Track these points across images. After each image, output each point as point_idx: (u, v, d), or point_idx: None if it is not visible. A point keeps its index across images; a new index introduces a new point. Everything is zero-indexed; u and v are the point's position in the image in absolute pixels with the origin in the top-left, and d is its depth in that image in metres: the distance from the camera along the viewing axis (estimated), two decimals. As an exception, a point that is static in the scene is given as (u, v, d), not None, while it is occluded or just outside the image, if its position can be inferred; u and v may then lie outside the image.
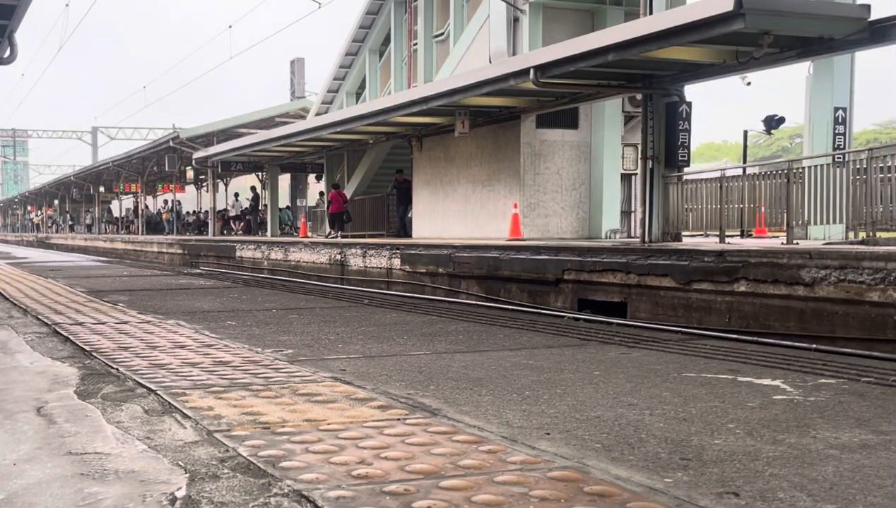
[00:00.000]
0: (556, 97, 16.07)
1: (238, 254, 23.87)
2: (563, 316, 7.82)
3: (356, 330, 6.05)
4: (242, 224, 35.62)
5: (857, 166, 10.60)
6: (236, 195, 37.42)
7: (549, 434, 2.93)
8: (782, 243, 10.89)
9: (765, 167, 15.84)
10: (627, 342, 5.48)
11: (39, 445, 2.79)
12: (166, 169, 36.00)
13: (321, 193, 29.92)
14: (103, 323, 6.37)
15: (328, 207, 25.09)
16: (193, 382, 3.88)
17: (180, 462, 2.56)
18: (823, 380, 4.01)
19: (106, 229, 52.66)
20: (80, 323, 6.35)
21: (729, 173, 12.93)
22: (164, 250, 30.90)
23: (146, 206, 46.62)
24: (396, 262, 15.78)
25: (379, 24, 27.97)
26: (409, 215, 22.39)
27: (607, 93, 15.06)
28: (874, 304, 7.94)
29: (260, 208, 34.18)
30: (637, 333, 6.13)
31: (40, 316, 6.88)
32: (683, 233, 13.47)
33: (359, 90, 30.09)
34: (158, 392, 3.66)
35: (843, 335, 8.13)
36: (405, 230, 22.18)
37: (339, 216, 24.70)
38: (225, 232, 35.61)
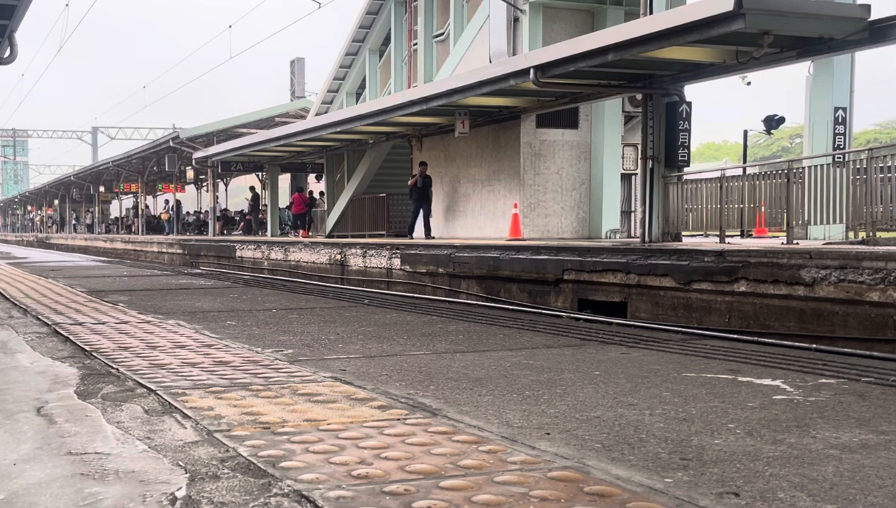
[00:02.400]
0: (556, 97, 16.07)
1: (238, 254, 23.88)
2: (562, 316, 7.82)
3: (356, 330, 6.05)
4: (242, 225, 35.67)
5: (857, 166, 10.60)
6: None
7: (549, 434, 2.93)
8: (782, 243, 10.89)
9: (765, 167, 15.86)
10: (627, 342, 5.48)
11: (39, 445, 2.79)
12: (166, 169, 36.02)
13: (321, 193, 30.03)
14: (103, 323, 6.37)
15: (290, 208, 28.05)
16: (193, 382, 3.88)
17: (180, 462, 2.56)
18: (823, 380, 4.01)
19: (107, 229, 52.65)
20: (81, 323, 6.35)
21: (729, 173, 12.93)
22: (164, 250, 30.90)
23: (146, 206, 46.64)
24: (396, 262, 15.78)
25: (379, 24, 27.98)
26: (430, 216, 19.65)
27: (607, 93, 15.06)
28: (874, 304, 7.94)
29: (260, 207, 34.24)
30: (637, 333, 6.12)
31: (40, 316, 6.88)
32: (683, 233, 13.47)
33: (359, 90, 30.09)
34: (158, 392, 3.66)
35: (843, 335, 8.13)
36: (428, 232, 19.09)
37: (301, 217, 27.83)
38: (223, 233, 35.63)
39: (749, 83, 24.47)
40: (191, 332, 5.84)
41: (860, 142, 39.42)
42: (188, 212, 44.48)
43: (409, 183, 19.92)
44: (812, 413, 3.28)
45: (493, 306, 9.76)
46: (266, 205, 31.62)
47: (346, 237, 23.99)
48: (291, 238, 25.90)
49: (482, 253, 13.51)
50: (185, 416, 3.18)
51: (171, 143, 33.63)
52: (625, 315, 10.37)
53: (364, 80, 29.34)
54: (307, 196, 29.13)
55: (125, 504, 2.18)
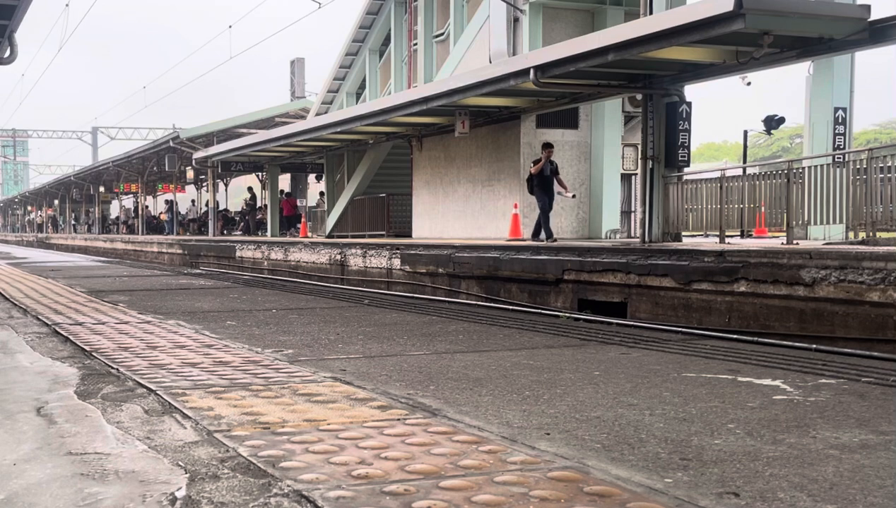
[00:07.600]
0: (556, 97, 16.06)
1: (238, 254, 23.87)
2: (562, 316, 7.82)
3: (356, 330, 6.05)
4: (242, 225, 35.71)
5: (857, 166, 10.59)
6: (193, 201, 41.76)
7: (549, 434, 2.93)
8: (782, 243, 10.89)
9: (765, 167, 15.84)
10: (627, 342, 5.48)
11: (39, 445, 2.79)
12: (166, 169, 36.01)
13: (321, 193, 30.09)
14: (103, 323, 6.36)
15: (281, 213, 30.95)
16: (193, 382, 3.88)
17: (180, 463, 2.56)
18: (823, 380, 4.01)
19: (106, 230, 52.65)
20: (80, 324, 6.35)
21: (729, 173, 12.92)
22: (163, 250, 30.90)
23: (146, 206, 46.64)
24: (396, 262, 15.78)
25: (379, 24, 27.96)
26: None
27: (607, 94, 15.05)
28: (874, 304, 7.94)
29: (259, 206, 34.28)
30: (637, 333, 6.13)
31: (40, 316, 6.88)
32: (683, 234, 13.47)
33: (359, 90, 30.07)
34: (158, 392, 3.66)
35: (843, 335, 8.13)
36: (548, 228, 15.13)
37: (289, 219, 30.90)
38: (222, 233, 35.62)
39: (749, 83, 24.47)
40: (191, 332, 5.84)
41: (860, 142, 39.44)
42: (187, 212, 44.48)
43: (533, 170, 15.42)
44: (812, 413, 3.28)
45: (493, 306, 9.76)
46: (266, 205, 31.69)
47: (345, 237, 23.98)
48: (291, 238, 26.00)
49: (482, 253, 13.51)
50: (185, 416, 3.18)
51: (171, 144, 33.61)
52: (625, 315, 10.37)
53: (364, 80, 29.32)
54: (295, 200, 32.63)
55: (125, 504, 2.18)
